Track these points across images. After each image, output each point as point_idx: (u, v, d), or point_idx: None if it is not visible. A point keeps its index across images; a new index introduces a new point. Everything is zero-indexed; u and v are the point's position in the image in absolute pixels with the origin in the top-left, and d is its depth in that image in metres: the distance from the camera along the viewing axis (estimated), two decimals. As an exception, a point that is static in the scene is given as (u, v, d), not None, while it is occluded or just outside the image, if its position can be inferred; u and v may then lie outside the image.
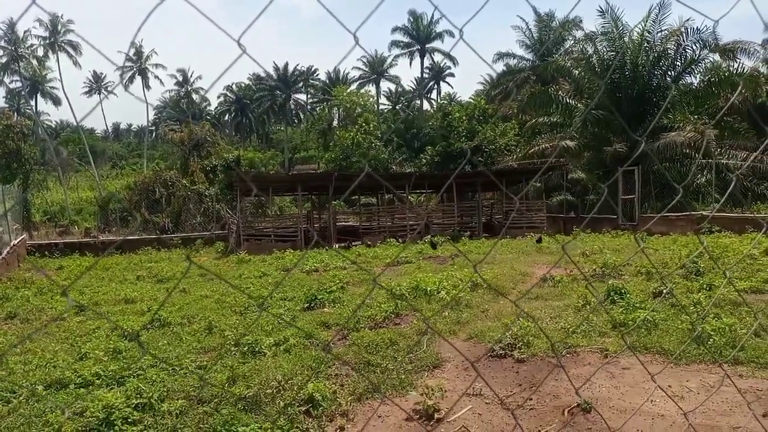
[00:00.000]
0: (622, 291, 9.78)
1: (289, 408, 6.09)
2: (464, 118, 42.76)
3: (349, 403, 6.43)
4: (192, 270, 17.23)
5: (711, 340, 7.24)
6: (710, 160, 24.45)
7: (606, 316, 8.91)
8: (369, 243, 22.56)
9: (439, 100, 77.89)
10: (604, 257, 13.84)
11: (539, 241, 19.28)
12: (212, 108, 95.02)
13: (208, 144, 37.58)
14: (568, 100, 28.68)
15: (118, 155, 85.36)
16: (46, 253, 22.64)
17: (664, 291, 9.75)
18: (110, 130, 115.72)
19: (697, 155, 24.73)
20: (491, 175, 24.47)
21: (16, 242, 19.00)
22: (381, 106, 78.68)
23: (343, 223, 29.53)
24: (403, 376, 7.00)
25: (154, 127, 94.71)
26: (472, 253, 17.30)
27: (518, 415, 5.88)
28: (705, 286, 10.17)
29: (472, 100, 50.64)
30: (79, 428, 5.55)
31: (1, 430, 5.68)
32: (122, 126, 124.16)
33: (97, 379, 6.91)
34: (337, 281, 12.73)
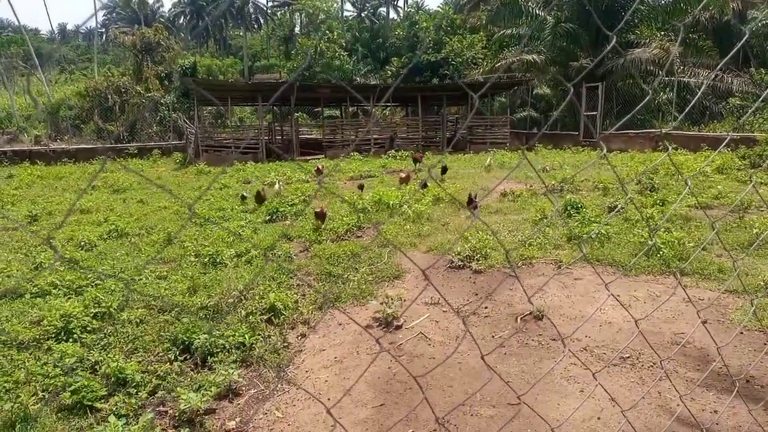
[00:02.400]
0: (579, 205, 10.01)
1: (250, 316, 6.17)
2: (431, 28, 41.47)
3: (310, 312, 6.55)
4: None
5: (660, 252, 7.54)
6: (672, 78, 24.60)
7: (562, 229, 9.16)
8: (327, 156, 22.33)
9: (406, 8, 75.06)
10: (564, 172, 14.05)
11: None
12: (165, 10, 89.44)
13: (162, 49, 35.61)
14: (537, 12, 27.98)
15: (66, 59, 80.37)
16: (-6, 160, 21.69)
17: (619, 206, 10.02)
18: (56, 32, 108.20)
19: (660, 72, 24.79)
20: (467, 87, 24.11)
21: (-41, 149, 18.08)
22: (346, 13, 75.38)
23: (306, 136, 29.01)
24: (363, 287, 7.13)
25: (103, 29, 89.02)
26: (436, 168, 17.32)
27: (473, 322, 6.10)
28: (658, 201, 10.49)
29: (440, 9, 48.96)
30: (37, 336, 5.51)
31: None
32: (69, 27, 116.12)
33: (54, 289, 6.82)
34: (299, 194, 12.64)
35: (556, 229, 9.19)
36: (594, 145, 22.85)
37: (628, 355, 5.22)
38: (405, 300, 6.76)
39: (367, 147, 24.59)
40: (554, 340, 5.60)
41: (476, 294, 6.90)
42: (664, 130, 21.01)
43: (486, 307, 6.50)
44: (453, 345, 5.67)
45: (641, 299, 6.39)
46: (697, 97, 14.31)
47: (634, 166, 14.97)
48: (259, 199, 11.07)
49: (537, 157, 20.24)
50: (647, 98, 23.71)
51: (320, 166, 9.96)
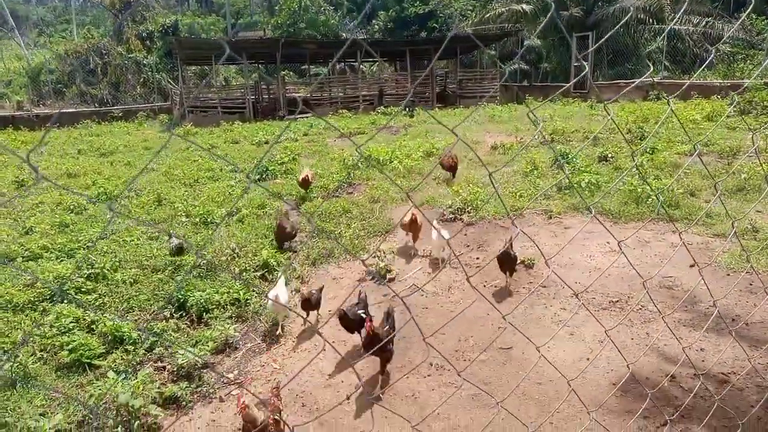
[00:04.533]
0: (569, 156, 10.01)
1: (244, 273, 6.21)
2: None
3: (304, 268, 6.59)
4: (136, 144, 16.63)
5: (649, 199, 7.60)
6: (663, 26, 24.26)
7: (552, 180, 9.18)
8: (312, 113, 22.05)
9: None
10: (554, 124, 13.99)
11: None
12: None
13: (141, 8, 34.61)
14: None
15: (44, 21, 77.94)
16: (-25, 128, 21.29)
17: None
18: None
19: (651, 21, 24.44)
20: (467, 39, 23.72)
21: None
22: (330, -33, 73.10)
23: (294, 94, 28.57)
24: (356, 242, 7.16)
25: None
26: (425, 123, 17.18)
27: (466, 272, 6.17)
28: (648, 149, 10.50)
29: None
30: (33, 298, 5.53)
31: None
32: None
33: (46, 252, 6.80)
34: (289, 153, 12.53)
35: (546, 180, 9.21)
36: (584, 97, 22.69)
37: (616, 300, 5.32)
38: (397, 253, 6.82)
39: (355, 104, 24.30)
40: (544, 287, 5.69)
41: (468, 245, 6.96)
42: (653, 79, 20.88)
43: (478, 258, 6.56)
44: (446, 295, 5.75)
45: (630, 245, 6.47)
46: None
47: (624, 116, 14.89)
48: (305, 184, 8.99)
49: (527, 110, 20.12)
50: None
51: (309, 175, 8.88)
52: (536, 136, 12.37)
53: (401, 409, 4.00)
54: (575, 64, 24.18)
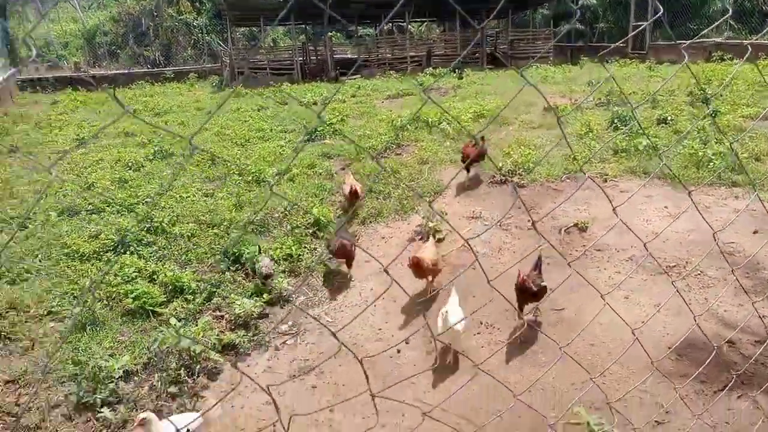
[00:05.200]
0: (626, 118, 9.66)
1: (296, 230, 6.33)
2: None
3: (354, 226, 6.67)
4: (188, 104, 16.94)
5: (711, 163, 7.30)
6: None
7: (608, 143, 8.91)
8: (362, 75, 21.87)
9: None
10: (610, 86, 13.48)
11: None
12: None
13: (192, -32, 34.70)
14: None
15: (96, -17, 79.27)
16: (38, 88, 22.06)
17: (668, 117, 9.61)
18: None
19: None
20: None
21: (5, 76, 18.40)
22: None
23: (341, 56, 28.41)
24: (405, 202, 7.17)
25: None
26: (475, 84, 16.84)
27: (516, 235, 6.12)
28: (711, 113, 10.03)
29: None
30: (98, 249, 5.80)
31: (22, 252, 5.94)
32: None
33: (108, 206, 7.08)
34: (337, 114, 12.54)
35: (602, 142, 8.95)
36: (642, 58, 21.70)
37: (674, 264, 5.19)
38: (446, 214, 6.80)
39: (403, 65, 23.98)
40: (599, 250, 5.59)
41: (519, 208, 6.87)
42: (717, 40, 19.74)
43: (529, 220, 6.49)
44: (496, 256, 5.73)
45: (690, 210, 6.25)
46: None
47: (686, 78, 14.21)
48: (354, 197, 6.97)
49: (581, 71, 19.41)
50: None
51: (357, 188, 6.92)
52: (591, 98, 11.98)
53: (453, 367, 4.06)
54: (633, 23, 23.10)
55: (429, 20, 32.38)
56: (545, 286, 4.22)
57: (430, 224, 6.34)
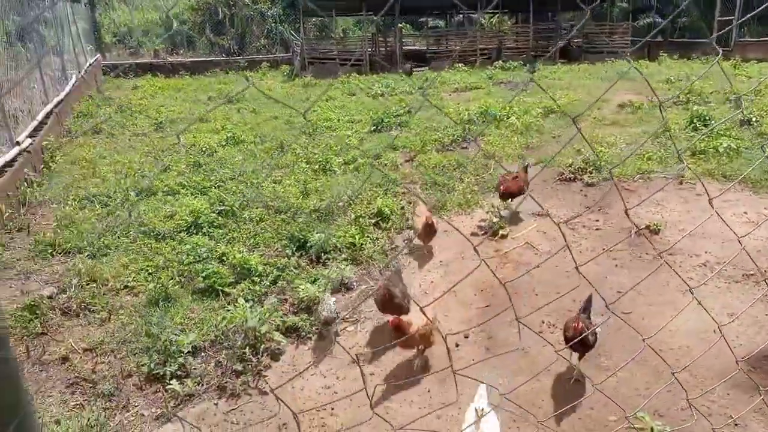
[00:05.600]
0: (706, 118, 9.20)
1: (360, 219, 6.41)
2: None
3: (415, 218, 6.69)
4: (260, 92, 17.36)
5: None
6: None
7: (686, 143, 8.51)
8: (432, 67, 21.74)
9: None
10: (690, 84, 12.86)
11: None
12: None
13: (267, -41, 35.47)
14: None
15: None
16: (120, 73, 23.24)
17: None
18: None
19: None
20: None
21: (91, 62, 19.48)
22: None
23: (410, 47, 28.36)
24: (469, 196, 7.13)
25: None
26: (546, 79, 16.45)
27: (583, 235, 5.97)
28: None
29: None
30: (172, 228, 6.09)
31: (102, 229, 6.31)
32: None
33: (182, 189, 7.41)
34: (404, 105, 12.56)
35: (680, 143, 8.56)
36: (728, 55, 20.52)
37: (752, 273, 4.93)
38: (511, 210, 6.71)
39: (473, 58, 23.70)
40: (671, 254, 5.37)
41: (587, 207, 6.70)
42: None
43: (597, 220, 6.31)
44: (561, 255, 5.61)
45: (773, 218, 5.91)
46: None
47: (774, 76, 13.38)
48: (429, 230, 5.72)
49: (660, 67, 18.59)
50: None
51: (432, 221, 5.67)
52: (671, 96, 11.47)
53: (510, 363, 4.03)
54: (719, 18, 21.85)
55: (501, 12, 31.79)
56: (597, 333, 3.69)
57: (494, 220, 6.28)
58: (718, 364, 3.78)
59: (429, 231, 5.65)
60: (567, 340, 3.69)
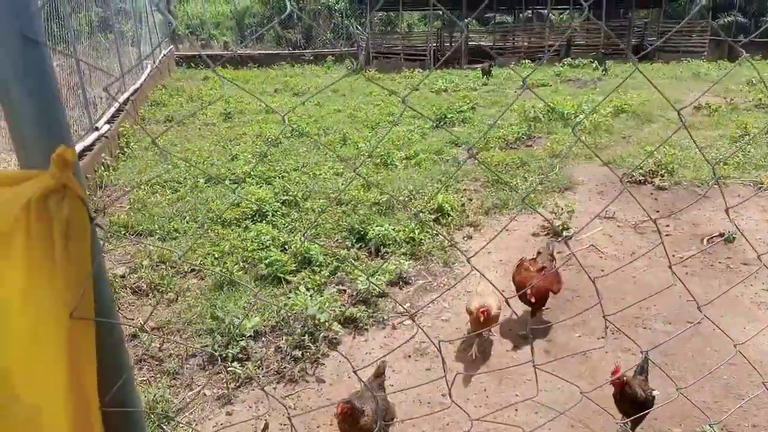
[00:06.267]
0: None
1: (419, 214, 6.41)
2: None
3: (477, 216, 6.62)
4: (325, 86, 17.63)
5: None
6: None
7: (766, 148, 8.05)
8: (491, 64, 21.40)
9: None
10: (776, 86, 12.11)
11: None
12: None
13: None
14: None
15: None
16: (192, 64, 24.06)
17: None
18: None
19: None
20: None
21: (165, 52, 20.29)
22: None
23: (476, 43, 28.04)
24: (532, 195, 7.00)
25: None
26: (617, 78, 15.91)
27: (653, 240, 5.75)
28: None
29: None
30: (238, 216, 6.27)
31: (172, 213, 6.58)
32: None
33: (248, 178, 7.62)
34: (467, 102, 12.44)
35: (760, 148, 8.10)
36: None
37: (839, 289, 4.62)
38: (576, 212, 6.54)
39: (540, 54, 23.20)
40: (745, 264, 5.10)
41: (657, 211, 6.44)
42: None
43: (668, 225, 6.06)
44: (627, 259, 5.42)
45: None
46: None
47: None
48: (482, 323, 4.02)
49: (741, 69, 17.63)
50: None
51: (490, 310, 3.90)
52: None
53: (571, 367, 3.93)
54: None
55: (572, 8, 30.91)
56: (655, 396, 3.11)
57: (558, 221, 6.14)
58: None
59: (483, 323, 3.94)
60: (616, 397, 3.18)
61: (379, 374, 3.35)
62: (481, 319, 3.86)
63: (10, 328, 0.84)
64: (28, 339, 0.84)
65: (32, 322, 0.84)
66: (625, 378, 3.05)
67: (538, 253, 4.70)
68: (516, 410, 3.56)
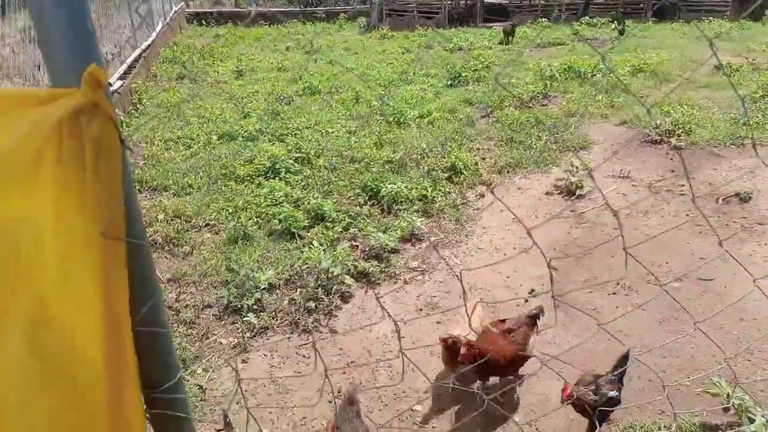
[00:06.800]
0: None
1: (432, 172, 6.40)
2: None
3: (489, 175, 6.60)
4: (337, 43, 17.39)
5: None
6: None
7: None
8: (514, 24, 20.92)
9: None
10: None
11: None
12: None
13: None
14: None
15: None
16: (203, 21, 23.74)
17: None
18: None
19: None
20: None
21: (176, 9, 20.04)
22: None
23: (491, 0, 27.35)
24: (546, 154, 6.94)
25: None
26: (636, 37, 15.51)
27: (667, 199, 5.71)
28: None
29: None
30: (251, 172, 6.30)
31: (187, 169, 6.62)
32: None
33: (261, 135, 7.61)
34: (482, 60, 12.22)
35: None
36: None
37: None
38: (591, 170, 6.50)
39: (557, 13, 22.60)
40: (761, 224, 5.07)
41: (672, 171, 6.38)
42: None
43: (683, 185, 6.01)
44: (640, 218, 5.41)
45: None
46: None
47: None
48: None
49: (765, 28, 17.12)
50: None
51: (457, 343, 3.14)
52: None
53: (580, 320, 3.98)
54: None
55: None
56: (613, 397, 2.79)
57: (572, 179, 6.10)
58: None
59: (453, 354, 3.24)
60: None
61: (353, 402, 2.89)
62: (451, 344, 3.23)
63: (45, 248, 0.86)
64: (62, 257, 0.86)
65: (65, 241, 0.86)
66: (573, 392, 2.80)
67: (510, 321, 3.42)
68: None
